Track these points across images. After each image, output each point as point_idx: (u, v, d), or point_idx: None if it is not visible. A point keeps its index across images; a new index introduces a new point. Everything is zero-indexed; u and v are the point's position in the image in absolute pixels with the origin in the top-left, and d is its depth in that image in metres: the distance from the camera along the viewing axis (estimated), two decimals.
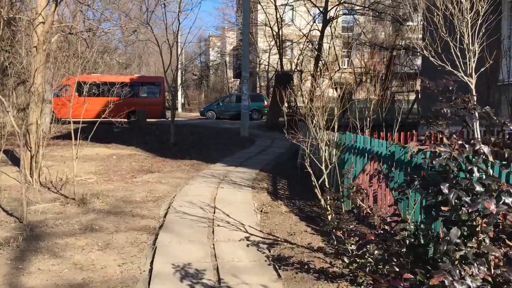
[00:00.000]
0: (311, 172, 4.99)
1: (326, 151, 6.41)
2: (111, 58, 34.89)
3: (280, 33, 25.02)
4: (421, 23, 7.09)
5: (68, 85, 24.81)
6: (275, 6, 24.51)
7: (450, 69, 5.31)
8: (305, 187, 8.66)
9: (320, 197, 4.87)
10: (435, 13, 5.43)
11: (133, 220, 6.66)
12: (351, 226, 4.33)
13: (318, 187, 4.92)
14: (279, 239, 5.62)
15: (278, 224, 6.18)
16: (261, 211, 6.84)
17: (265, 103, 31.68)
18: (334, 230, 4.40)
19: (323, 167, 4.94)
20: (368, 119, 6.75)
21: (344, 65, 31.78)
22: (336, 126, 6.40)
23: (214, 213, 6.70)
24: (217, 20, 76.71)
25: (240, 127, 18.65)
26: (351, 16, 28.73)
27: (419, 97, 16.19)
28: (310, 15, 28.37)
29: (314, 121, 5.30)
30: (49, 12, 9.90)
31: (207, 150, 14.22)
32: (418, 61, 35.04)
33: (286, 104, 25.10)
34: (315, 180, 5.01)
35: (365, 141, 6.30)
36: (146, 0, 17.25)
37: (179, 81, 33.72)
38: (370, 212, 4.67)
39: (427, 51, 5.55)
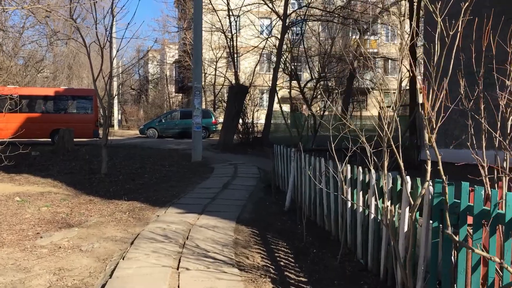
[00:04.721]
0: None
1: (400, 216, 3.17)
2: (38, 70, 30.19)
3: (235, 39, 21.76)
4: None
5: None
6: (228, 9, 21.25)
7: None
8: (324, 259, 5.32)
9: None
10: None
11: None
12: None
13: None
14: None
15: None
16: None
17: (213, 119, 28.46)
18: None
19: None
20: None
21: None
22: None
23: None
24: (157, 33, 71.94)
25: (192, 149, 15.08)
26: (302, 26, 26.11)
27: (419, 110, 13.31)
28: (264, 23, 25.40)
29: None
30: None
31: (152, 184, 10.60)
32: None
33: (240, 121, 21.90)
34: None
35: None
36: None
37: (114, 92, 29.59)
38: None
39: None
